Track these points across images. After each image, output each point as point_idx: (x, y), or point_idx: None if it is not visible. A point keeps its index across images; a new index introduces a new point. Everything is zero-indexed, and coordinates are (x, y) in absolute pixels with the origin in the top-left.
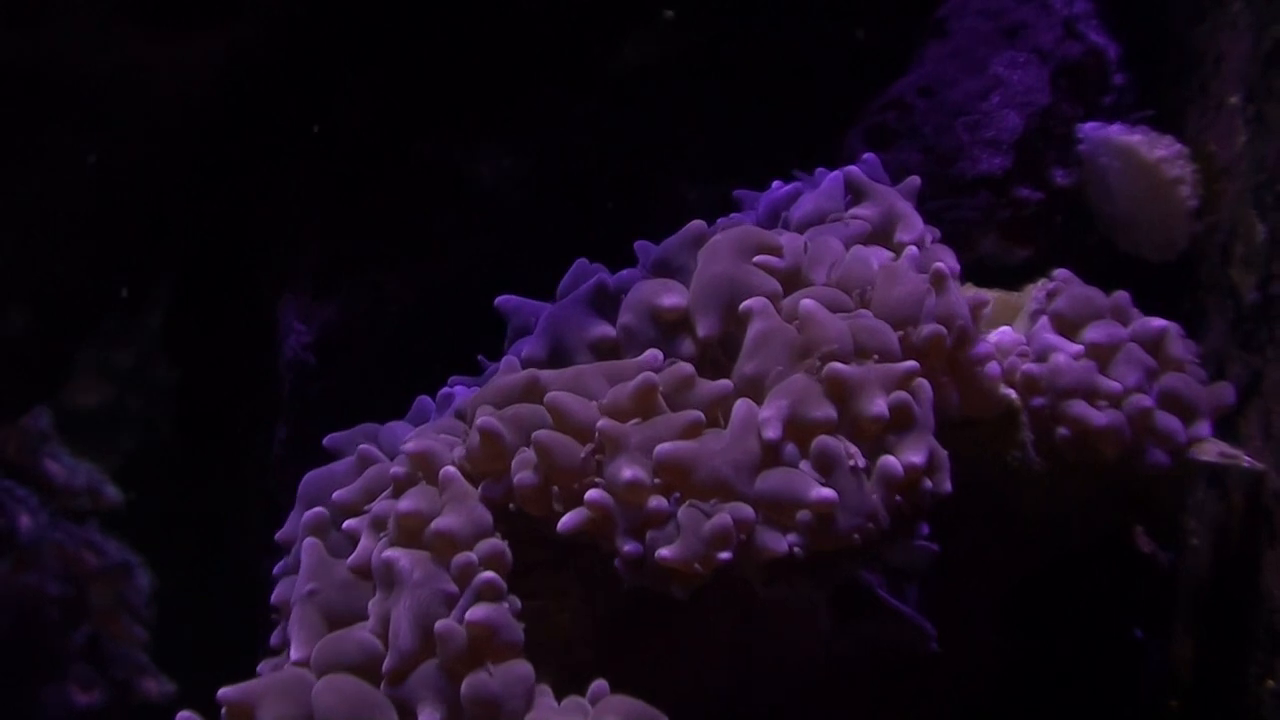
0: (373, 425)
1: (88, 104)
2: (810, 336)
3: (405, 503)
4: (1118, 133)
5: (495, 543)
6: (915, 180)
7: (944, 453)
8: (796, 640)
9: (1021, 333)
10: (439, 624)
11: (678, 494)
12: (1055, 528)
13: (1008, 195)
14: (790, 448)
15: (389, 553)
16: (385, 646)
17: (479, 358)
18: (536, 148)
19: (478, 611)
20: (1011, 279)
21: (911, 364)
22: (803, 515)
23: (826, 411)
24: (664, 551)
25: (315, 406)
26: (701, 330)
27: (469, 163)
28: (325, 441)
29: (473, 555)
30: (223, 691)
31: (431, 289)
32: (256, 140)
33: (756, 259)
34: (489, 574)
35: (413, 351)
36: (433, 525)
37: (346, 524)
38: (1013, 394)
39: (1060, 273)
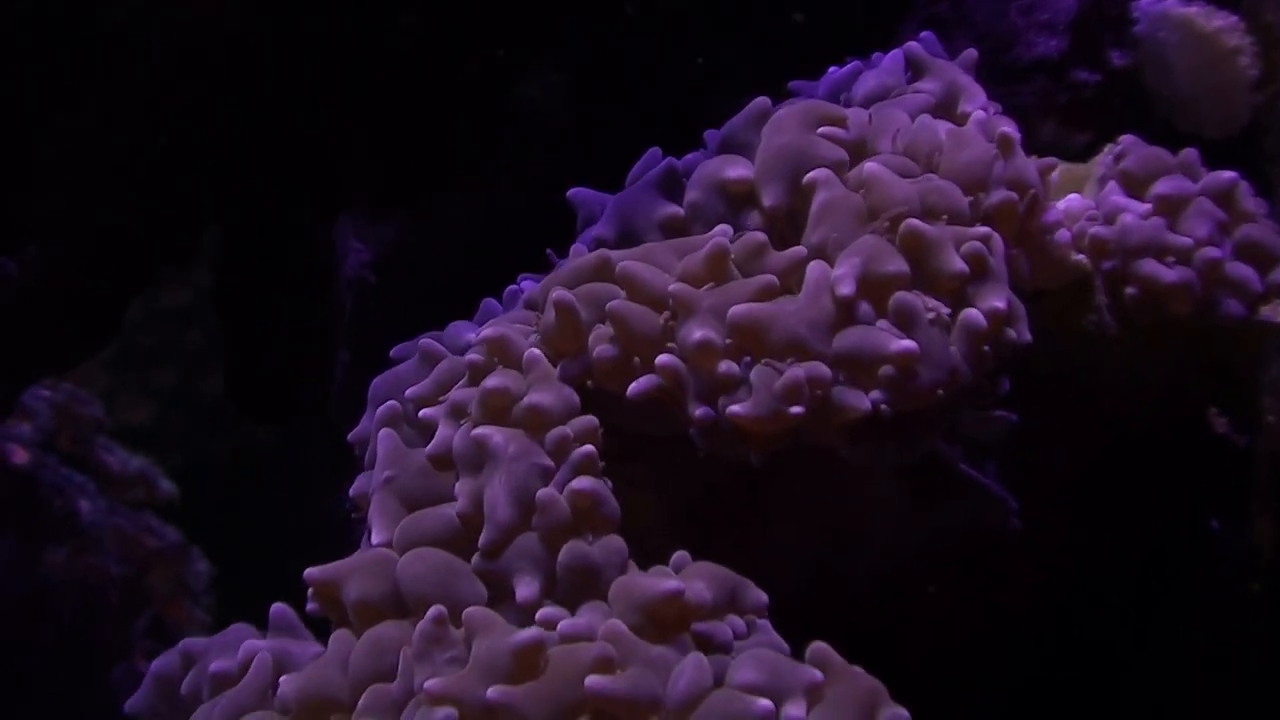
0: (436, 332)
1: (134, 44)
2: (877, 198)
3: (492, 380)
4: (1174, 6)
5: (589, 419)
6: (972, 53)
7: (1021, 304)
8: (876, 519)
9: (1090, 198)
10: (541, 492)
11: (750, 358)
12: (1132, 403)
13: (1065, 79)
14: (865, 306)
15: (480, 430)
16: (474, 525)
17: (548, 252)
18: (583, 64)
19: (582, 482)
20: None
21: (984, 229)
22: (885, 370)
23: (900, 265)
24: (735, 408)
25: (377, 327)
26: (767, 200)
27: (518, 82)
28: (393, 351)
29: (567, 430)
30: (309, 571)
31: (486, 209)
32: (303, 72)
33: (821, 130)
34: (587, 447)
35: (471, 271)
36: (524, 401)
37: (423, 413)
38: (1084, 259)
39: (1126, 138)
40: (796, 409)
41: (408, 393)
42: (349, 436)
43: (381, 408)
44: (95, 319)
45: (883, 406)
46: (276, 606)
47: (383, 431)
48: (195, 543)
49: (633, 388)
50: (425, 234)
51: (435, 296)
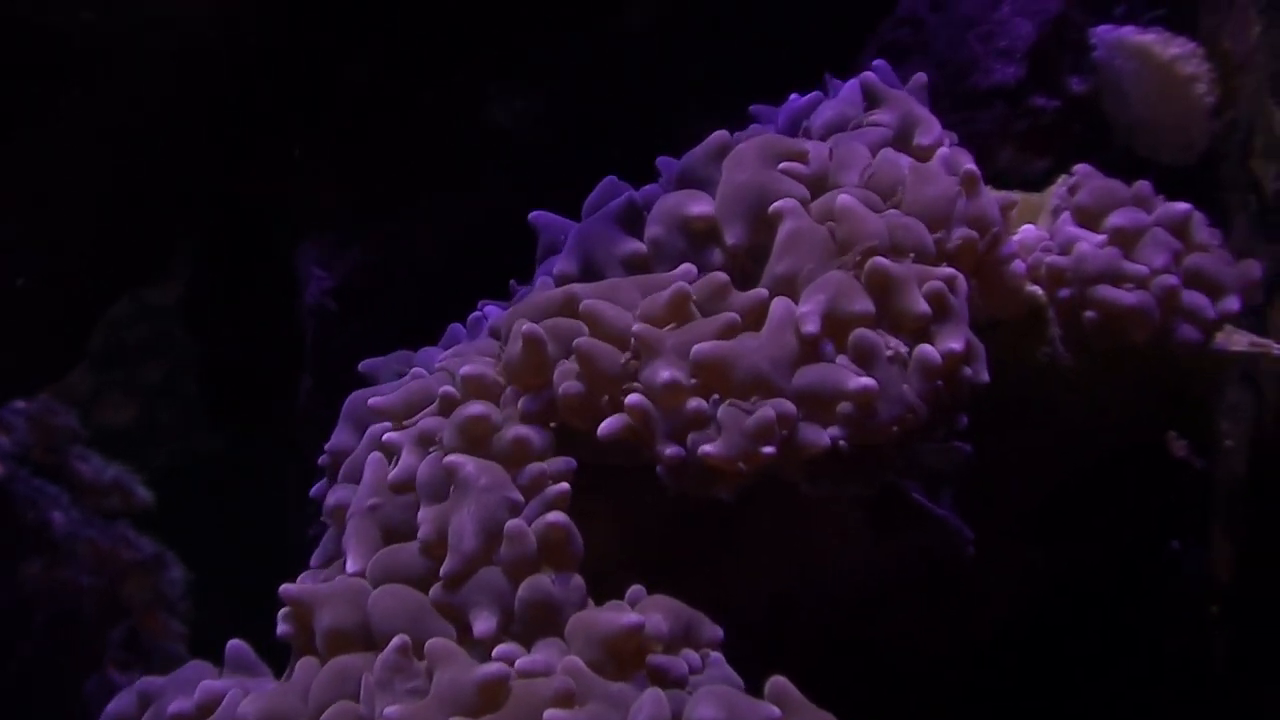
0: (407, 351)
1: (102, 65)
2: (847, 231)
3: (473, 408)
4: (1131, 33)
5: (567, 459)
6: (922, 77)
7: (980, 343)
8: (840, 549)
9: (1044, 229)
10: (510, 524)
11: (717, 395)
12: (1088, 430)
13: (1023, 105)
14: (827, 345)
15: (453, 458)
16: (437, 555)
17: (511, 282)
18: (549, 89)
19: (555, 516)
20: (1031, 190)
21: (949, 270)
22: (844, 407)
23: (865, 305)
24: (707, 448)
25: (339, 353)
26: (730, 238)
27: (483, 106)
28: (361, 366)
29: (545, 466)
30: (285, 588)
31: (451, 234)
32: (268, 97)
33: (781, 166)
34: (563, 484)
35: (435, 296)
36: (510, 432)
37: (386, 436)
38: (1038, 290)
39: (1080, 168)
40: (769, 449)
41: (371, 402)
42: (327, 446)
43: (374, 428)
44: (59, 340)
45: (840, 443)
46: (233, 644)
47: (373, 455)
48: (179, 542)
49: (603, 428)
50: (387, 261)
51: (397, 323)
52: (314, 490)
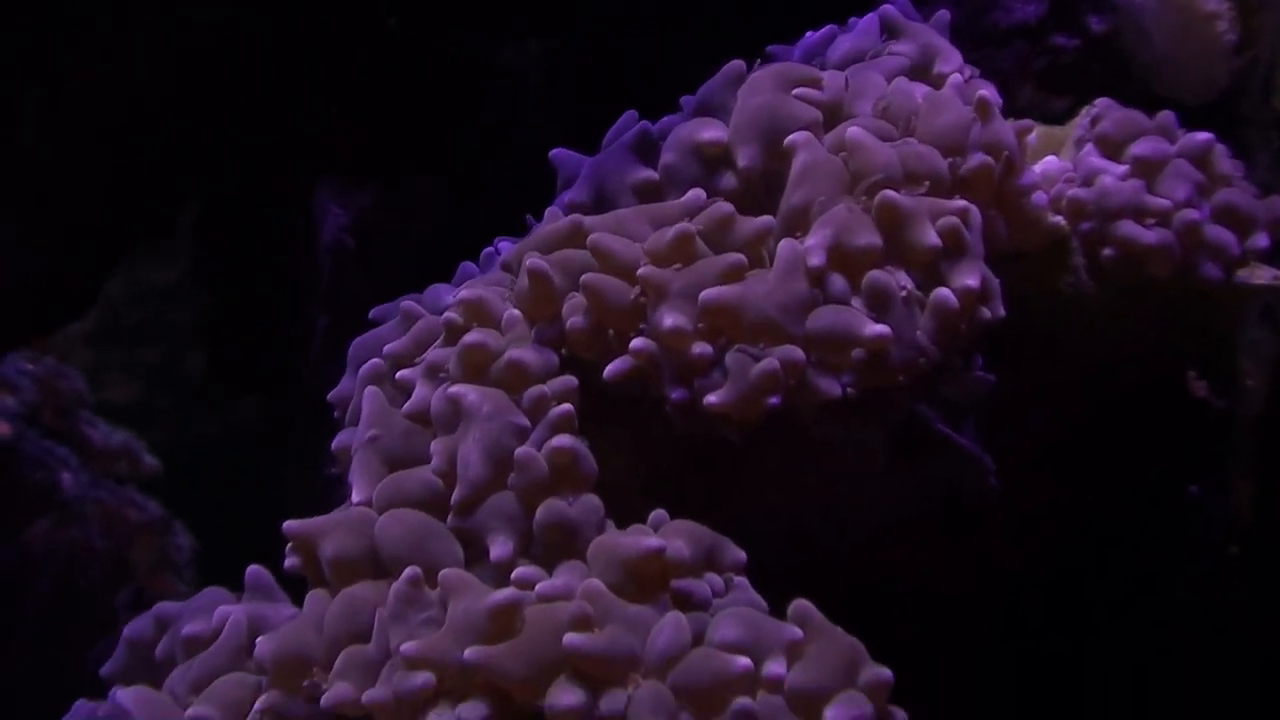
0: (413, 300)
1: (112, 18)
2: (859, 164)
3: (471, 336)
4: None
5: (568, 378)
6: (945, 14)
7: (995, 279)
8: (857, 482)
9: (1067, 161)
10: (519, 450)
11: (724, 339)
12: (1110, 364)
13: (1043, 44)
14: (840, 284)
15: (455, 388)
16: (449, 484)
17: (527, 218)
18: (563, 33)
19: (561, 439)
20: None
21: (962, 203)
22: (856, 354)
23: (872, 239)
24: (711, 398)
25: (354, 291)
26: (742, 161)
27: (499, 52)
28: (372, 313)
29: (546, 388)
30: (288, 524)
31: (466, 175)
32: (282, 45)
33: (796, 91)
34: (565, 405)
35: (448, 235)
36: (505, 356)
37: (400, 374)
38: (1061, 221)
39: (1102, 101)
40: (773, 400)
41: (385, 349)
42: (329, 395)
43: (366, 366)
44: (72, 291)
45: (849, 390)
46: (252, 569)
47: (368, 390)
48: (179, 520)
49: (609, 370)
50: (403, 199)
51: (413, 260)
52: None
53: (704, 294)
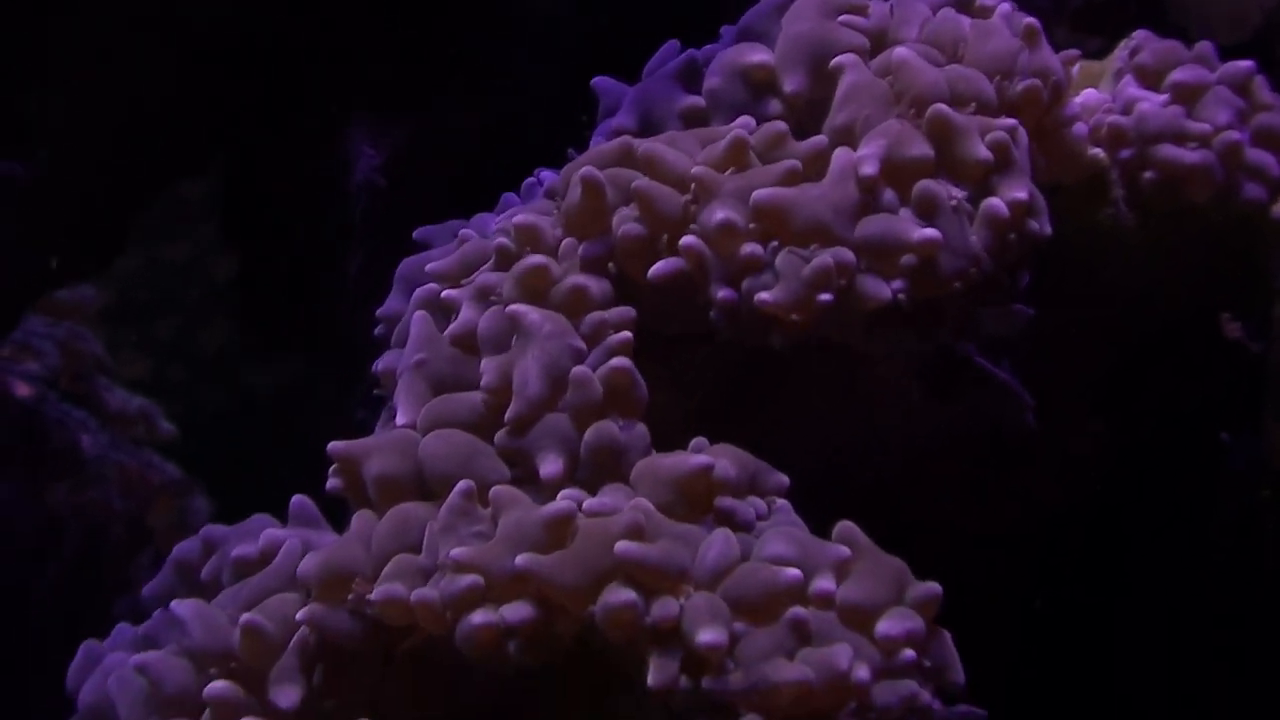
0: (460, 220)
1: None
2: (905, 83)
3: (533, 259)
4: None
5: (626, 309)
6: None
7: (1042, 196)
8: (894, 415)
9: (1106, 92)
10: (575, 370)
11: (775, 242)
12: (1147, 299)
13: None
14: (889, 194)
15: (515, 306)
16: (500, 402)
17: (569, 150)
18: None
19: (619, 360)
20: None
21: (1011, 120)
22: (906, 259)
23: (924, 150)
24: (763, 295)
25: (388, 230)
26: (788, 87)
27: None
28: (416, 233)
29: (606, 315)
30: (332, 445)
31: (499, 116)
32: None
33: (841, 19)
34: (625, 333)
35: (482, 173)
36: (567, 281)
37: (445, 293)
38: (1100, 152)
39: (1140, 32)
40: (825, 296)
41: (429, 267)
42: (379, 312)
43: (420, 290)
44: (103, 229)
45: (901, 295)
46: (297, 498)
47: (418, 314)
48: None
49: (654, 270)
50: (436, 137)
51: (446, 198)
52: (375, 365)
53: (756, 194)
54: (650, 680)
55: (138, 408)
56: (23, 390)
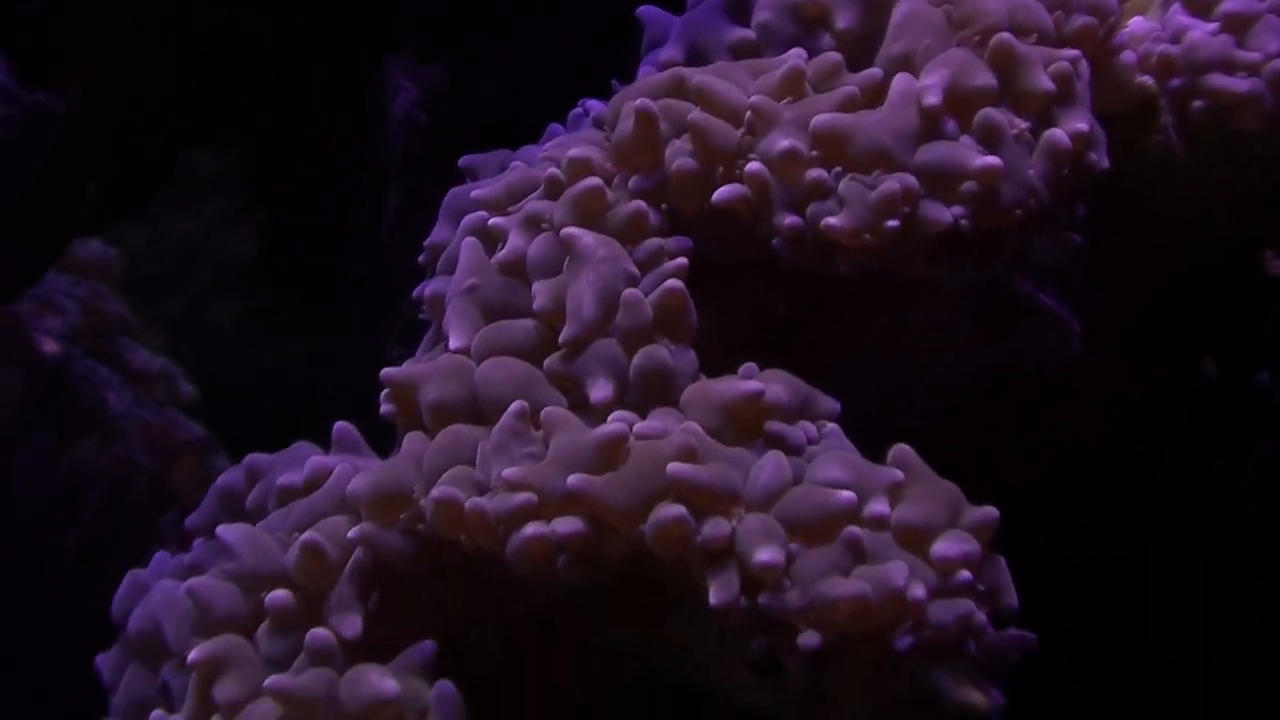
0: (507, 150)
1: None
2: (965, 13)
3: (589, 182)
4: None
5: (683, 238)
6: None
7: (1101, 128)
8: (942, 345)
9: (1154, 21)
10: (627, 292)
11: (838, 169)
12: (1193, 231)
13: None
14: (951, 122)
15: (569, 230)
16: (552, 325)
17: (613, 82)
18: None
19: (673, 283)
20: None
21: (1073, 51)
22: (967, 186)
23: (988, 80)
24: (831, 221)
25: (427, 166)
26: (841, 22)
27: None
28: (462, 161)
29: (664, 241)
30: (386, 371)
31: (538, 49)
32: None
33: None
34: (680, 260)
35: (524, 108)
36: (627, 205)
37: (492, 221)
38: (1149, 81)
39: None
40: (893, 223)
41: (474, 194)
42: (425, 241)
43: (469, 217)
44: (141, 168)
45: (962, 222)
46: (340, 424)
47: (468, 240)
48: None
49: (717, 195)
50: (476, 72)
51: (487, 134)
52: (416, 291)
53: (816, 120)
54: (712, 599)
55: (159, 368)
56: (50, 346)
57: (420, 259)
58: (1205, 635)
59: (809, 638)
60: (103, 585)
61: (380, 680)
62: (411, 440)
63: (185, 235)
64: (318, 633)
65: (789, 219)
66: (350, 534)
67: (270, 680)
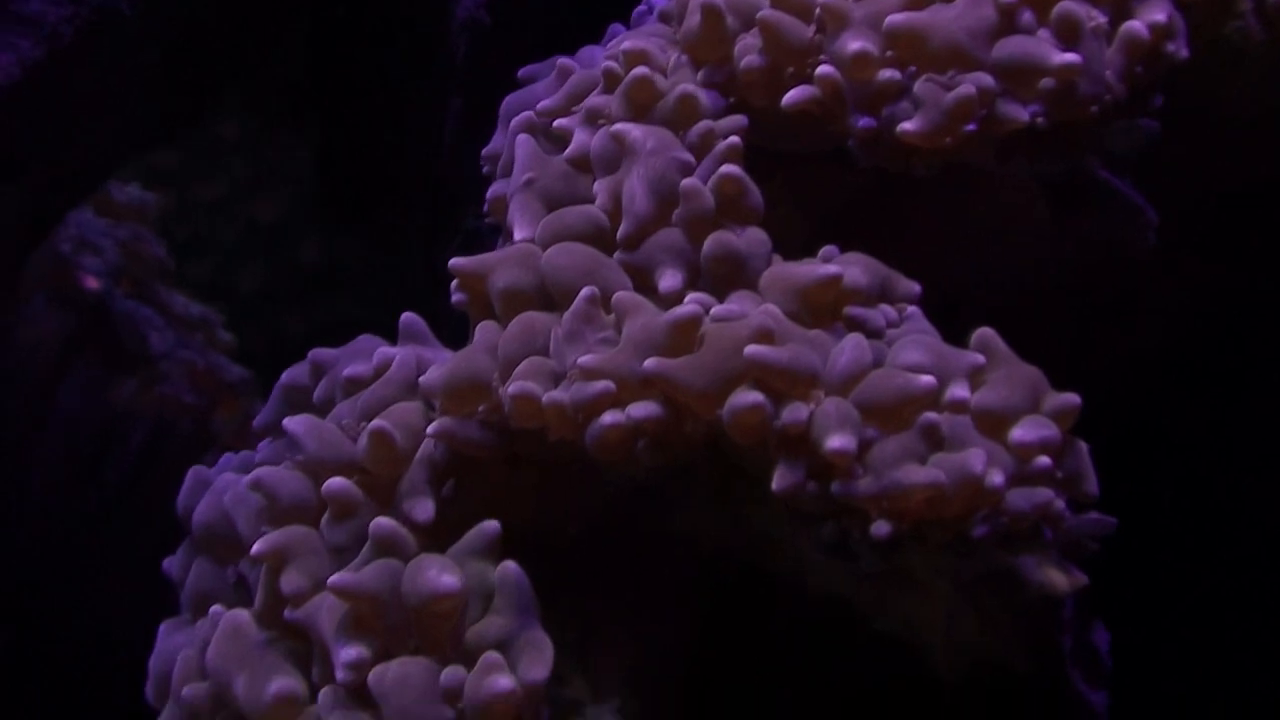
0: (566, 57)
1: None
2: None
3: (638, 71)
4: None
5: (737, 116)
6: None
7: (1180, 18)
8: (1018, 235)
9: None
10: (685, 182)
11: (912, 68)
12: (1267, 123)
13: None
14: (1027, 15)
15: (618, 125)
16: (615, 223)
17: None
18: None
19: (729, 168)
20: None
21: None
22: (1045, 82)
23: None
24: (906, 125)
25: (491, 69)
26: None
27: None
28: (521, 71)
29: (713, 123)
30: (455, 261)
31: None
32: None
33: None
34: (733, 139)
35: (588, 11)
36: (673, 91)
37: (557, 122)
38: None
39: None
40: (969, 126)
41: (539, 105)
42: (484, 151)
43: (517, 116)
44: (202, 74)
45: (1039, 119)
46: (406, 315)
47: (521, 136)
48: None
49: (788, 97)
50: None
51: (552, 36)
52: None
53: (890, 18)
54: (774, 485)
55: (199, 314)
56: (92, 284)
57: (485, 170)
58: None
59: (880, 526)
60: (145, 525)
61: (439, 575)
62: (484, 329)
63: (211, 200)
64: (382, 521)
65: (862, 121)
66: (430, 429)
67: (334, 578)
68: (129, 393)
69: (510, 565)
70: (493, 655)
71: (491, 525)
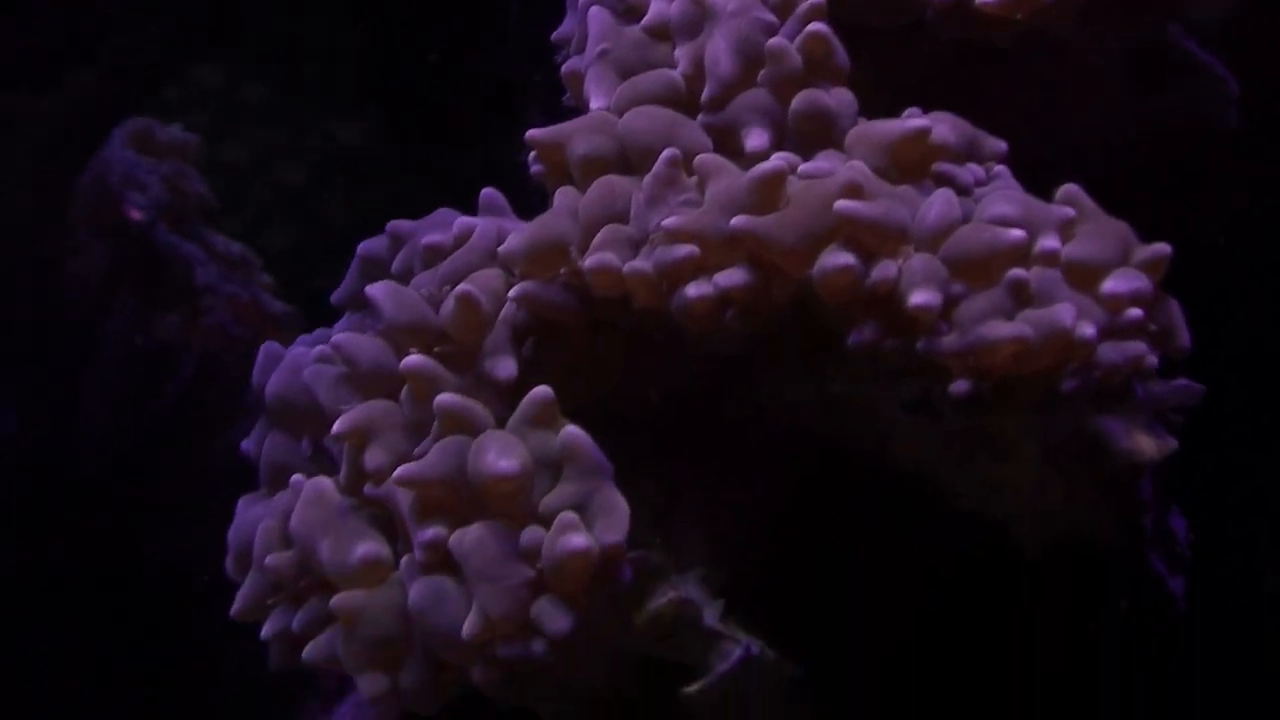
0: None
1: None
2: None
3: None
4: None
5: None
6: None
7: None
8: (1098, 104)
9: None
10: (772, 41)
11: None
12: None
13: None
14: None
15: None
16: (695, 88)
17: None
18: None
19: (816, 26)
20: None
21: None
22: None
23: None
24: None
25: None
26: None
27: None
28: None
29: None
30: (532, 132)
31: None
32: None
33: None
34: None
35: None
36: None
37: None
38: None
39: None
40: None
41: None
42: (554, 35)
43: None
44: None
45: None
46: (486, 190)
47: (593, 9)
48: None
49: None
50: None
51: None
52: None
53: None
54: (850, 340)
55: (239, 253)
56: (136, 214)
57: (557, 57)
58: None
59: (960, 384)
60: (193, 457)
61: (497, 460)
62: (564, 194)
63: (238, 162)
64: (446, 397)
65: None
66: (511, 293)
67: (400, 470)
68: (175, 325)
69: (571, 430)
70: (569, 515)
71: (543, 390)
